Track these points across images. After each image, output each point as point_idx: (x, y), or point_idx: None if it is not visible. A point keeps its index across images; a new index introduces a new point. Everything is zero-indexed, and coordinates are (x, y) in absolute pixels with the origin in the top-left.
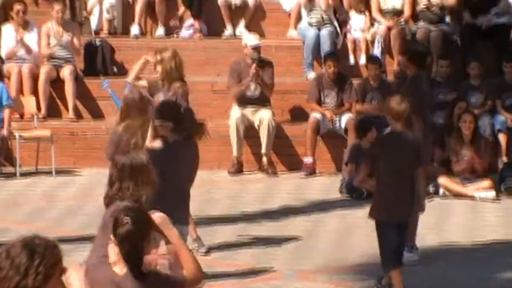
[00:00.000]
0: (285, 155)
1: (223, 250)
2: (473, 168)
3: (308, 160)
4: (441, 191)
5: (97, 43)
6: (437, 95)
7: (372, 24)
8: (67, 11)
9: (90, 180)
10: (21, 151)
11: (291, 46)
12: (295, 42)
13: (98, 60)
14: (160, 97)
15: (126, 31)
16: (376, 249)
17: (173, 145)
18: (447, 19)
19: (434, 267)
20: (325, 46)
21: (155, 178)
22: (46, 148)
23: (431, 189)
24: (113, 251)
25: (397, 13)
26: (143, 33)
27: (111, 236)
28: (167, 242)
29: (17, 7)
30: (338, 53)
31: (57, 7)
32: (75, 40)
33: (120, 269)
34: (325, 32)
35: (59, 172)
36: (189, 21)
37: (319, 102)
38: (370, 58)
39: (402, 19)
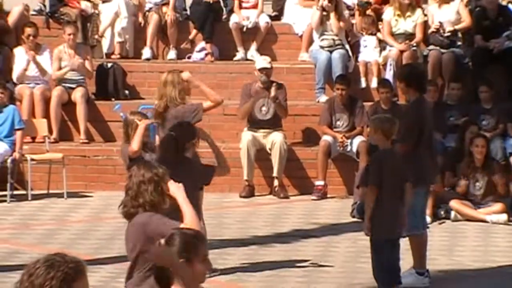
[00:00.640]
0: (296, 178)
1: (235, 273)
2: (485, 192)
3: (319, 183)
4: (452, 214)
5: (109, 66)
6: (448, 118)
7: (383, 48)
8: (79, 34)
9: (101, 203)
10: (32, 174)
11: (302, 69)
12: (306, 65)
13: (109, 83)
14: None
15: (137, 54)
16: None
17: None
18: (459, 42)
19: None
20: (337, 69)
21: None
22: (58, 171)
23: (442, 212)
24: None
25: (409, 36)
26: (154, 56)
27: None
28: None
29: (28, 30)
30: (349, 76)
31: (69, 30)
32: (87, 63)
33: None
34: (336, 55)
35: (70, 195)
36: (201, 44)
37: (331, 126)
38: (382, 82)
39: (414, 42)
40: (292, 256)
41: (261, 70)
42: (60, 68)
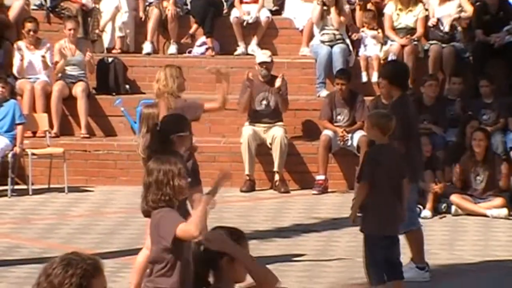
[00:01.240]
0: (297, 173)
1: None
2: (486, 186)
3: (320, 177)
4: (453, 208)
5: (110, 60)
6: (449, 112)
7: (384, 42)
8: (79, 29)
9: (102, 198)
10: (33, 169)
11: (303, 63)
12: (307, 60)
13: (110, 78)
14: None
15: (138, 49)
16: None
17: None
18: (459, 36)
19: (446, 285)
20: (337, 64)
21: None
22: (58, 165)
23: (443, 206)
24: None
25: (410, 31)
26: (155, 50)
27: None
28: None
29: (28, 25)
30: (349, 71)
31: (69, 25)
32: (88, 57)
33: None
34: (337, 49)
35: (71, 189)
36: (201, 38)
37: (331, 120)
38: None
39: (415, 37)
40: (292, 251)
41: (261, 64)
42: (61, 63)
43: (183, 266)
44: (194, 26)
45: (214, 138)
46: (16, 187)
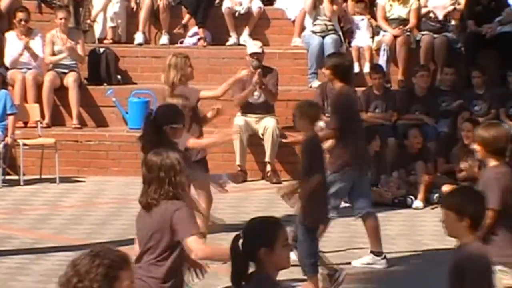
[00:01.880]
0: (289, 163)
1: None
2: (477, 177)
3: None
4: None
5: (101, 51)
6: (441, 103)
7: (377, 33)
8: (71, 19)
9: (93, 188)
10: (24, 159)
11: (295, 54)
12: (299, 50)
13: (102, 68)
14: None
15: (130, 39)
16: None
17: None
18: (451, 27)
19: (438, 274)
20: None
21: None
22: (50, 156)
23: (435, 197)
24: None
25: (403, 21)
26: (147, 41)
27: None
28: None
29: (19, 15)
30: None
31: (60, 14)
32: (80, 48)
33: None
34: (329, 40)
35: (62, 180)
36: (193, 29)
37: (323, 111)
38: (374, 67)
39: (408, 28)
40: None
41: (252, 55)
42: (53, 53)
43: (178, 257)
44: (186, 16)
45: (206, 128)
46: (8, 177)
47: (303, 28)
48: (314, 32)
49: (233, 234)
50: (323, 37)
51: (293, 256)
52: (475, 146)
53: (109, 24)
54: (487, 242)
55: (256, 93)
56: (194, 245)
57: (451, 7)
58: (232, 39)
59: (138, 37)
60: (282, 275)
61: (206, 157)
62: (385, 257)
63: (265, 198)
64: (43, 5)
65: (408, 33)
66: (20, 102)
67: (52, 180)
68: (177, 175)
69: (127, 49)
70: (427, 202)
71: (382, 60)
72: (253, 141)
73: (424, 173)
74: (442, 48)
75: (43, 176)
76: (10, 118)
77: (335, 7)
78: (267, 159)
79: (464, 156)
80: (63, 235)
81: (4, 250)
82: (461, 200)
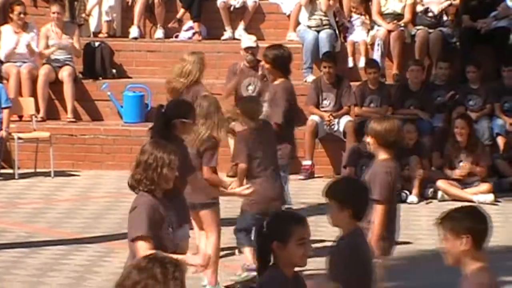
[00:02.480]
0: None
1: (223, 251)
2: (471, 172)
3: (306, 163)
4: (439, 194)
5: (96, 45)
6: (435, 98)
7: (371, 27)
8: (66, 12)
9: (88, 182)
10: (19, 153)
11: (290, 48)
12: (294, 45)
13: (97, 62)
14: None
15: (125, 33)
16: None
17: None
18: (446, 22)
19: (432, 271)
20: (324, 49)
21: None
22: (45, 149)
23: (429, 192)
24: None
25: (397, 16)
26: (142, 35)
27: None
28: None
29: (17, 8)
30: (335, 55)
31: (54, 8)
32: (75, 41)
33: None
34: (324, 35)
35: (57, 173)
36: (188, 23)
37: (318, 105)
38: (369, 62)
39: (402, 23)
40: None
41: (247, 49)
42: (47, 47)
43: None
44: (181, 10)
45: None
46: (2, 171)
47: (298, 23)
48: (309, 27)
49: (230, 228)
50: (318, 31)
51: None
52: (368, 139)
53: (104, 18)
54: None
55: (250, 87)
56: (137, 249)
57: (447, 2)
58: (227, 34)
59: (133, 31)
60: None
61: None
62: None
63: None
64: None
65: (402, 28)
66: (15, 95)
67: (47, 174)
68: (165, 167)
69: (122, 43)
70: (422, 196)
71: (376, 55)
72: None
73: (418, 168)
74: (437, 43)
75: (37, 170)
76: (5, 111)
77: (331, 1)
78: None
79: (455, 151)
80: (57, 229)
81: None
82: (343, 191)
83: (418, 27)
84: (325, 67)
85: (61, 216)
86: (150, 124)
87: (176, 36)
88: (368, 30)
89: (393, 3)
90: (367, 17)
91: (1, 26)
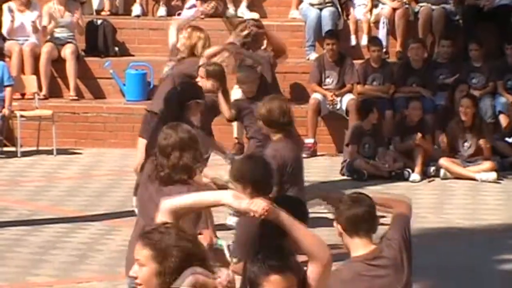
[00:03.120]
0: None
1: (222, 230)
2: (474, 150)
3: (309, 141)
4: (442, 172)
5: (99, 22)
6: (438, 76)
7: (375, 6)
8: None
9: (91, 160)
10: (22, 131)
11: (292, 26)
12: (297, 23)
13: (99, 40)
14: None
15: (127, 11)
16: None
17: None
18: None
19: (434, 248)
20: (327, 27)
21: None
22: (47, 127)
23: (432, 170)
24: None
25: None
26: (144, 13)
27: None
28: None
29: None
30: (338, 33)
31: None
32: (76, 19)
33: None
34: (326, 12)
35: (60, 151)
36: (191, 1)
37: (320, 83)
38: (372, 40)
39: (406, 0)
40: None
41: None
42: (50, 25)
43: None
44: None
45: None
46: (5, 149)
47: (300, 1)
48: (311, 5)
49: None
50: (321, 9)
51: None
52: (259, 123)
53: None
54: None
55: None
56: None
57: None
58: (229, 11)
59: (136, 9)
60: None
61: None
62: None
63: None
64: None
65: (407, 6)
66: (17, 73)
67: (49, 152)
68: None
69: (124, 21)
70: (424, 175)
71: (381, 34)
72: None
73: (421, 146)
74: (440, 20)
75: (40, 148)
76: (7, 89)
77: None
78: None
79: (460, 131)
80: (60, 207)
81: (1, 221)
82: (238, 169)
83: (421, 4)
84: (328, 44)
85: (64, 194)
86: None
87: (179, 14)
88: (371, 8)
89: None
90: None
91: (4, 4)
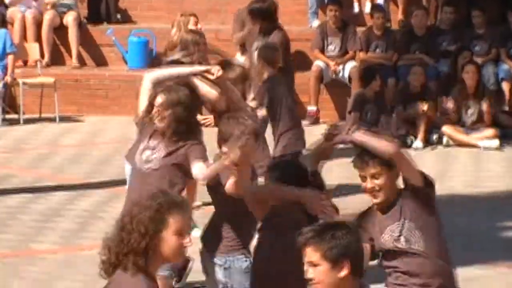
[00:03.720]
0: None
1: None
2: (477, 118)
3: (311, 109)
4: (445, 139)
5: None
6: (441, 43)
7: None
8: None
9: (93, 128)
10: (24, 98)
11: None
12: None
13: (102, 7)
14: None
15: None
16: None
17: None
18: None
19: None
20: None
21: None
22: (50, 95)
23: (434, 137)
24: None
25: None
26: None
27: None
28: None
29: None
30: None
31: None
32: None
33: None
34: None
35: (62, 119)
36: None
37: (323, 50)
38: (375, 7)
39: None
40: None
41: None
42: None
43: None
44: None
45: None
46: (7, 116)
47: None
48: None
49: None
50: None
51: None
52: None
53: None
54: None
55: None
56: None
57: None
58: None
59: None
60: None
61: None
62: None
63: None
64: None
65: None
66: (19, 41)
67: (52, 119)
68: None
69: None
70: (427, 142)
71: (384, 0)
72: None
73: (424, 113)
74: None
75: (42, 115)
76: (10, 57)
77: None
78: None
79: (463, 98)
80: (63, 174)
81: (4, 189)
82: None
83: None
84: (331, 10)
85: (67, 162)
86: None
87: None
88: None
89: None
90: None
91: None
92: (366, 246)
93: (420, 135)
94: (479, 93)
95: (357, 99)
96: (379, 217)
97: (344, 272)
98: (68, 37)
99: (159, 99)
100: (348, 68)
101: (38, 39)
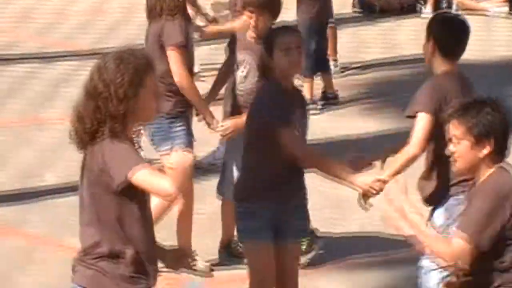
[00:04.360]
0: None
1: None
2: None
3: None
4: (454, 6)
5: None
6: None
7: None
8: None
9: None
10: None
11: None
12: None
13: None
14: None
15: None
16: None
17: None
18: None
19: None
20: None
21: None
22: None
23: (444, 4)
24: None
25: None
26: None
27: None
28: None
29: None
30: None
31: None
32: None
33: None
34: None
35: None
36: None
37: None
38: None
39: None
40: None
41: None
42: None
43: None
44: None
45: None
46: None
47: None
48: None
49: None
50: None
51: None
52: None
53: None
54: None
55: None
56: None
57: None
58: None
59: None
60: None
61: None
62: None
63: None
64: None
65: None
66: None
67: None
68: None
69: None
70: (437, 8)
71: None
72: None
73: None
74: None
75: None
76: None
77: None
78: None
79: None
80: (71, 41)
81: (12, 54)
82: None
83: None
84: None
85: (75, 29)
86: None
87: None
88: None
89: None
90: None
91: None
92: None
93: (430, 1)
94: None
95: None
96: None
97: (486, 150)
98: None
99: None
100: None
101: None
